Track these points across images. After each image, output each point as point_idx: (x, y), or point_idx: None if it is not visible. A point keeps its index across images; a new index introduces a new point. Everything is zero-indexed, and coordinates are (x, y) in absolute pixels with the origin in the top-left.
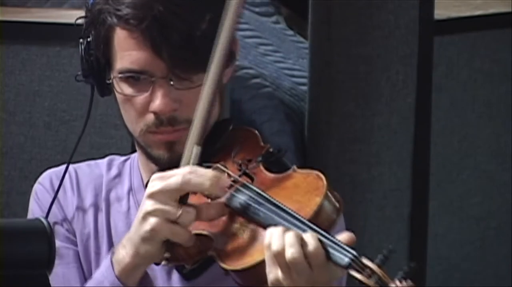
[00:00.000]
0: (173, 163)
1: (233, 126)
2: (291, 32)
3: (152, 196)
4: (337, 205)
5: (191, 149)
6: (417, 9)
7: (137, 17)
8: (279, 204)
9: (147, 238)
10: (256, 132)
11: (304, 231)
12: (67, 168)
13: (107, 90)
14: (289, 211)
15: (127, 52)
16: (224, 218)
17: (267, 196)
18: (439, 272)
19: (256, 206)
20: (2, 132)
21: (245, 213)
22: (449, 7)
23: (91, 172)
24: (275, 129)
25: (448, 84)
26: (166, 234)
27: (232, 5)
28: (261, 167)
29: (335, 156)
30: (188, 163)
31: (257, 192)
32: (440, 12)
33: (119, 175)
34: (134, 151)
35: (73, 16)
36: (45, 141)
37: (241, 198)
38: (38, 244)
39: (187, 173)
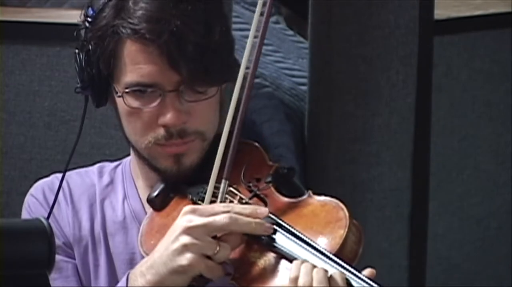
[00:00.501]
0: (180, 175)
1: None
2: (291, 32)
3: (189, 230)
4: (359, 235)
5: (214, 180)
6: (417, 9)
7: (154, 31)
8: (303, 237)
9: (179, 272)
10: (260, 147)
11: (331, 266)
12: (62, 179)
13: (104, 101)
14: (314, 245)
15: (137, 66)
16: (242, 246)
17: (290, 228)
18: (439, 272)
19: (278, 236)
20: (2, 132)
21: (265, 243)
22: (449, 7)
23: (82, 181)
24: (275, 129)
25: (448, 84)
26: (201, 269)
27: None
28: (272, 189)
29: (335, 156)
30: (212, 196)
31: (278, 223)
32: (440, 12)
33: (111, 182)
34: None
35: (73, 16)
36: (45, 141)
37: None
38: (38, 244)
39: (231, 211)
